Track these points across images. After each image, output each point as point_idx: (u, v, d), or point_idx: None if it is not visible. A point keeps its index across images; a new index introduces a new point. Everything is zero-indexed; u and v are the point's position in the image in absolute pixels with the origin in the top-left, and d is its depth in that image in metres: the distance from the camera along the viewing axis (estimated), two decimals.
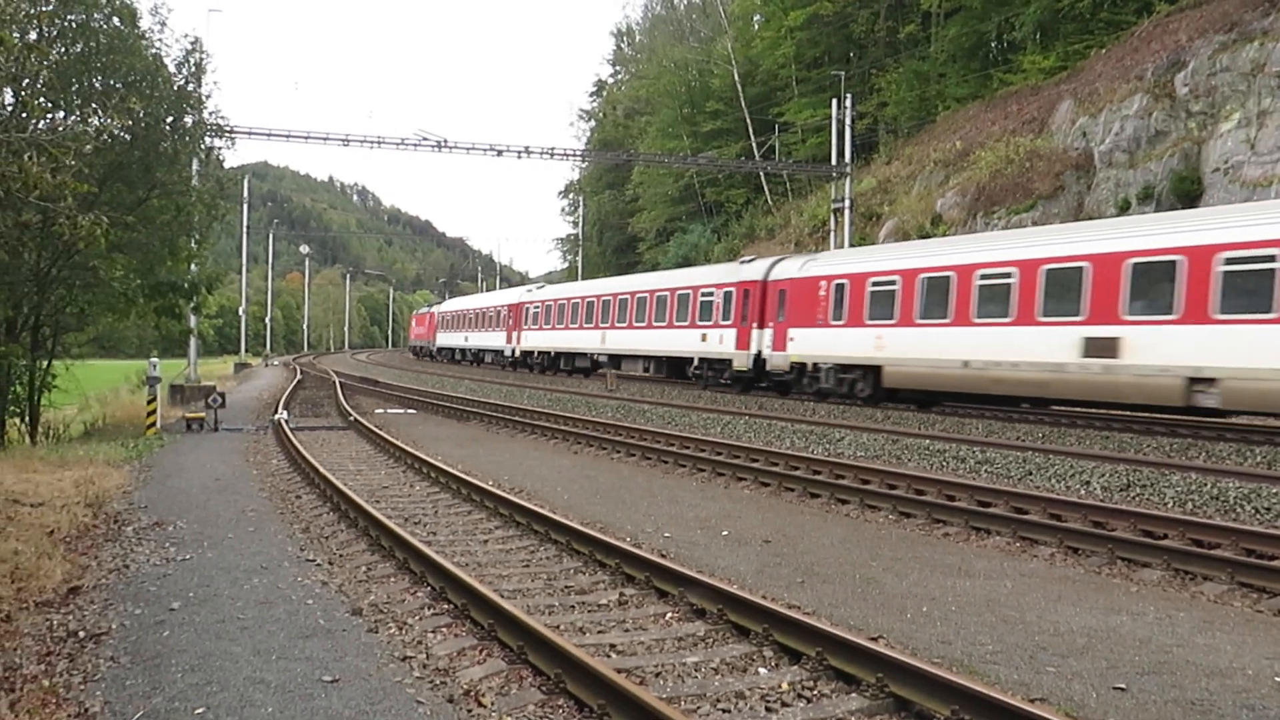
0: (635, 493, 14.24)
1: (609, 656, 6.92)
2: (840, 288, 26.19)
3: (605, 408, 26.99)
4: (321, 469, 14.63)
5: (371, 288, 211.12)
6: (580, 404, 28.36)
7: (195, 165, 26.72)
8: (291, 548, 10.45)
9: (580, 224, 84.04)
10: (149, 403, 23.81)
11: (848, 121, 42.28)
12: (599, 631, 7.58)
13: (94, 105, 21.02)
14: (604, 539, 9.86)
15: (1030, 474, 14.59)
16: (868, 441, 18.22)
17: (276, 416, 23.84)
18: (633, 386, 35.35)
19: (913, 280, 23.60)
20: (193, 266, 27.76)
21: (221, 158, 27.27)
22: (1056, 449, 16.33)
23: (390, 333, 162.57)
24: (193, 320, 32.49)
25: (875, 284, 24.88)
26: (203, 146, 25.73)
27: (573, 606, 8.26)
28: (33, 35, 18.72)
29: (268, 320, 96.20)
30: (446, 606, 8.12)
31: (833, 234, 42.81)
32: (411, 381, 42.17)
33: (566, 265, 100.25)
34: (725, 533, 11.35)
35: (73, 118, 21.08)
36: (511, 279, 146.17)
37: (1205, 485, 12.77)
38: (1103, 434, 19.21)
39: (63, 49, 20.76)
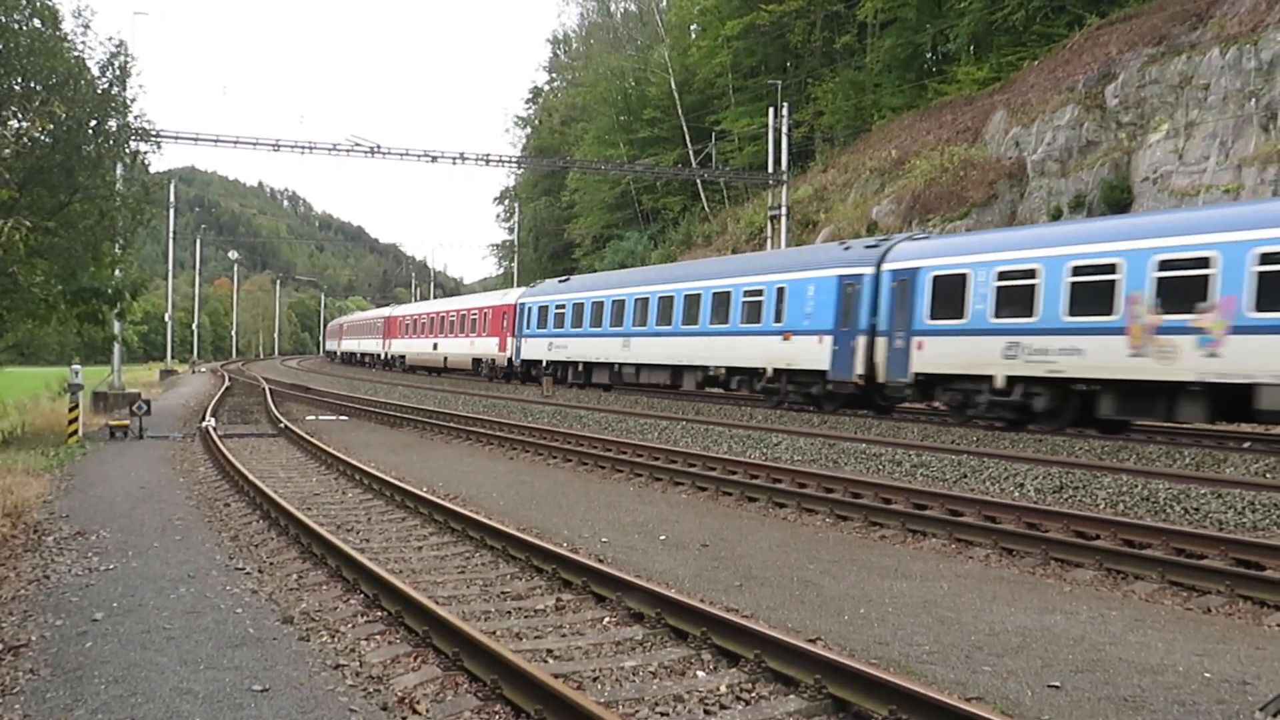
0: (572, 498, 14.20)
1: (546, 662, 6.88)
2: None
3: (541, 414, 26.91)
4: (251, 476, 14.41)
5: (303, 294, 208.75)
6: (516, 410, 28.24)
7: (120, 169, 26.22)
8: (220, 556, 10.27)
9: (516, 230, 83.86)
10: (71, 410, 23.33)
11: (784, 130, 42.63)
12: (536, 637, 7.53)
13: (14, 108, 20.60)
14: (540, 544, 9.82)
15: (965, 477, 14.76)
16: (805, 445, 18.33)
17: (204, 424, 23.45)
18: (569, 393, 35.27)
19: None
20: (117, 272, 27.27)
21: (147, 162, 26.74)
22: (991, 452, 16.54)
23: (322, 339, 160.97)
24: (117, 326, 31.88)
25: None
26: (127, 150, 25.26)
27: (509, 612, 8.20)
28: None
29: (195, 326, 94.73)
30: (380, 614, 8.02)
31: (769, 241, 43.10)
32: (344, 388, 41.73)
33: (501, 271, 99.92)
34: (663, 537, 11.35)
35: None
36: (446, 285, 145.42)
37: (1136, 487, 13.00)
38: (1036, 438, 19.48)
39: None
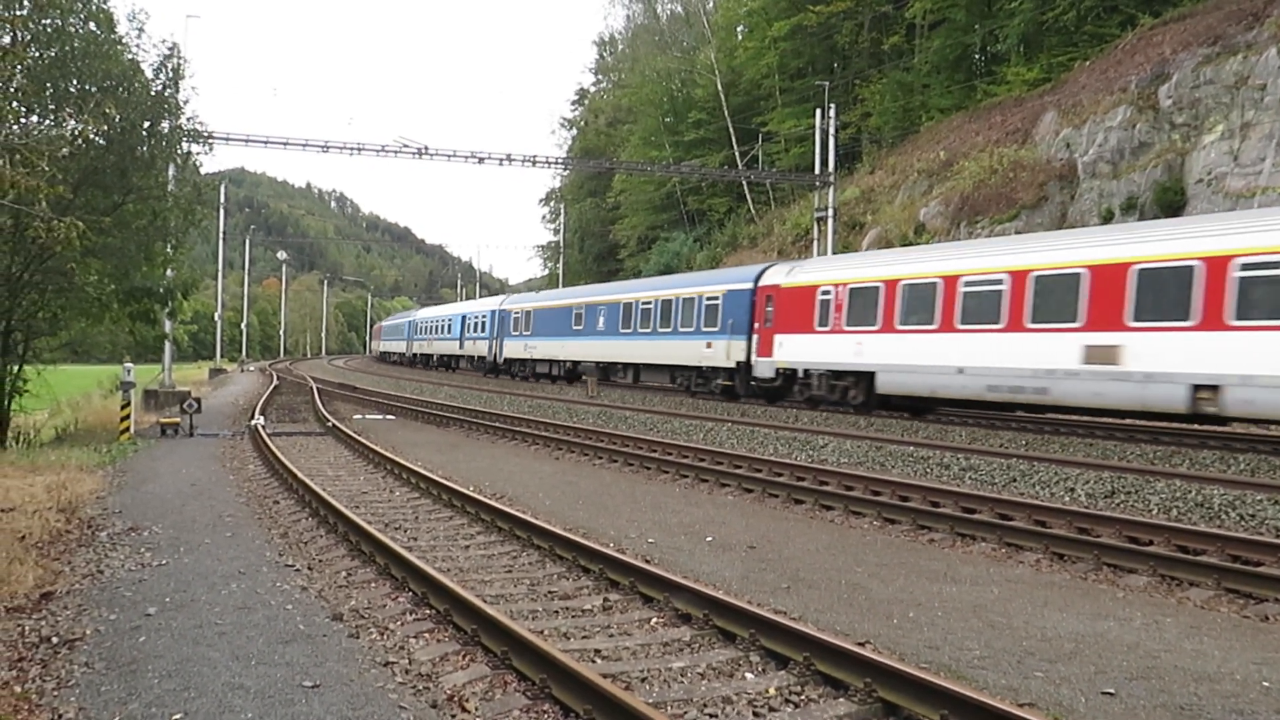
0: (618, 499, 14.20)
1: (594, 662, 6.89)
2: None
3: (586, 414, 26.94)
4: (299, 474, 14.54)
5: (349, 294, 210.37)
6: (561, 410, 28.30)
7: (172, 170, 26.57)
8: (270, 553, 10.37)
9: (561, 231, 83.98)
10: (123, 408, 23.65)
11: (831, 131, 42.41)
12: (583, 637, 7.53)
13: (69, 109, 20.92)
14: (587, 544, 9.82)
15: (1015, 481, 14.61)
16: (851, 448, 18.22)
17: (253, 422, 23.70)
18: (614, 393, 35.30)
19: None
20: (168, 272, 27.62)
21: (198, 163, 27.09)
22: (1041, 456, 16.36)
23: (368, 339, 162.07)
24: (167, 325, 32.33)
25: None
26: (179, 152, 25.58)
27: (556, 612, 8.21)
28: (6, 39, 18.61)
29: (244, 326, 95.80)
30: (428, 612, 8.06)
31: (815, 243, 42.90)
32: (390, 387, 42.02)
33: (547, 272, 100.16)
34: (709, 539, 11.33)
35: (48, 121, 20.98)
36: (491, 286, 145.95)
37: (1189, 492, 12.81)
38: (1086, 441, 19.26)
39: (38, 53, 20.63)
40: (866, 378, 25.14)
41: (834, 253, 41.38)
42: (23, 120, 19.46)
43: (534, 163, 41.02)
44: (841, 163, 48.22)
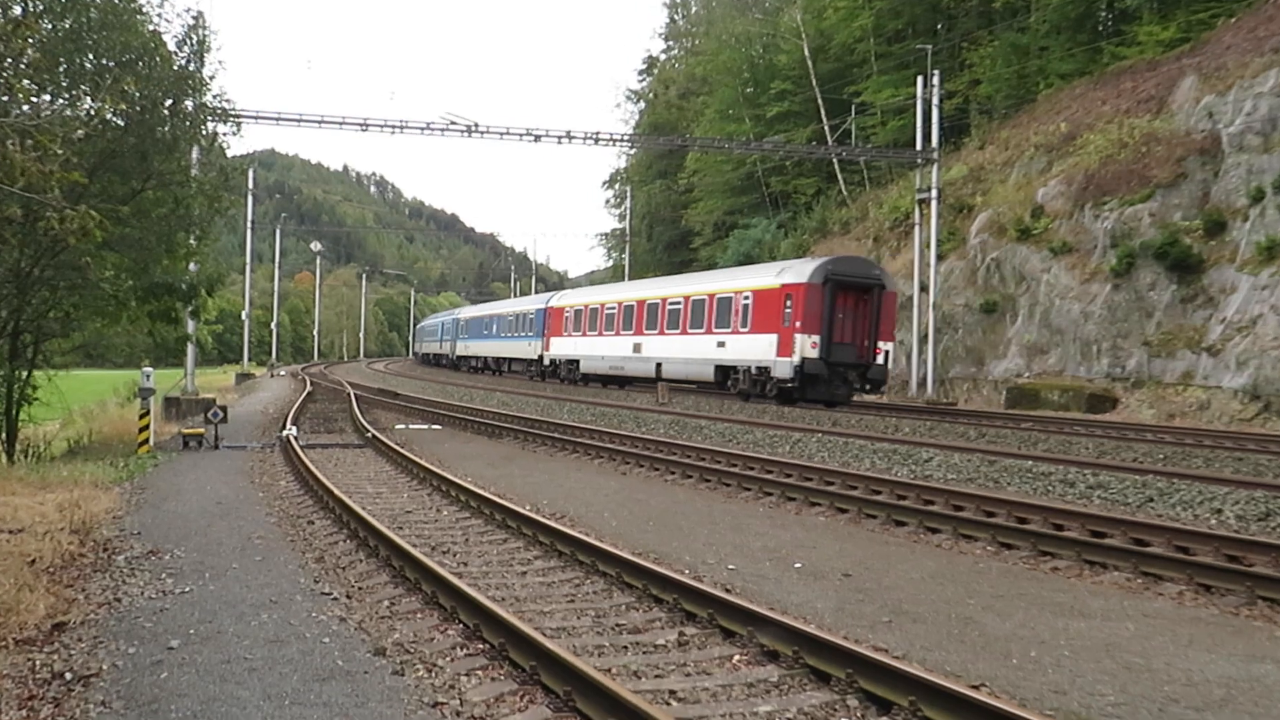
0: (693, 519, 14.17)
1: (669, 704, 6.86)
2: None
3: (657, 423, 26.95)
4: (336, 491, 14.67)
5: (390, 289, 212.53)
6: (628, 419, 28.33)
7: (196, 153, 26.97)
8: (304, 579, 10.47)
9: (627, 217, 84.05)
10: (141, 417, 24.05)
11: (934, 101, 42.04)
12: (656, 676, 7.50)
13: (85, 87, 21.31)
14: (659, 571, 9.80)
15: (1151, 500, 14.35)
16: (960, 462, 18.03)
17: (285, 433, 23.98)
18: (687, 400, 35.28)
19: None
20: (191, 266, 28.03)
21: (225, 145, 27.49)
22: (1181, 472, 16.07)
23: (411, 339, 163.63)
24: (190, 326, 32.81)
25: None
26: (205, 132, 25.95)
27: (625, 647, 8.19)
28: (16, 10, 19.00)
29: (274, 326, 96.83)
30: (482, 646, 8.08)
31: (918, 228, 42.53)
32: (436, 394, 42.37)
33: (611, 264, 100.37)
34: (798, 565, 11.25)
35: (61, 101, 21.35)
36: (549, 279, 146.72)
37: None
38: (1235, 455, 18.89)
39: (50, 25, 21.00)
40: (577, 362, 50.39)
41: (937, 240, 41.09)
42: (34, 100, 19.84)
43: (596, 140, 41.13)
44: (946, 137, 47.71)
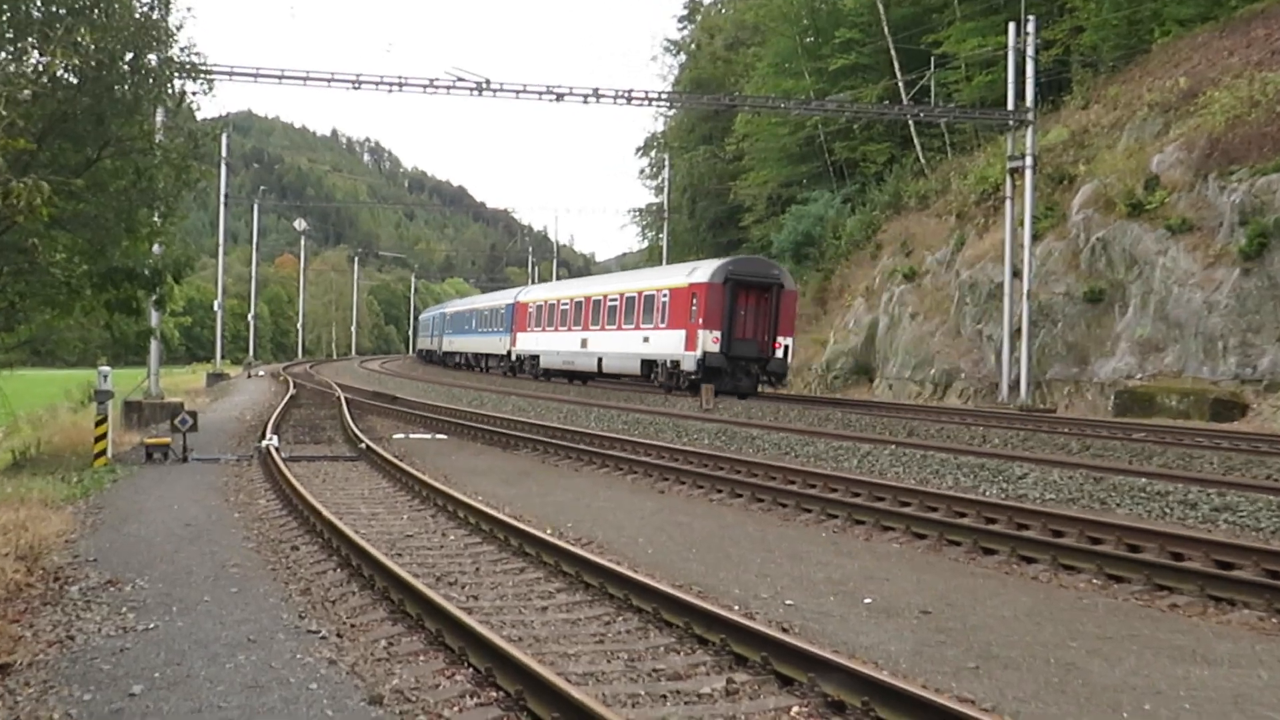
0: (744, 546, 14.16)
1: None
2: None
3: (700, 433, 26.95)
4: (325, 512, 14.74)
5: (387, 274, 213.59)
6: (667, 428, 28.36)
7: (161, 116, 27.06)
8: (287, 614, 10.52)
9: (665, 190, 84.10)
10: (98, 425, 24.20)
11: (1029, 53, 41.79)
12: None
13: (31, 39, 21.39)
14: (704, 607, 9.79)
15: None
16: (1060, 480, 17.95)
17: (264, 443, 24.12)
18: (736, 406, 35.28)
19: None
20: (156, 248, 28.14)
21: (195, 106, 27.57)
22: None
23: (412, 334, 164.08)
24: (154, 318, 32.97)
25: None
26: (171, 91, 25.99)
27: (664, 696, 8.20)
28: None
29: (251, 318, 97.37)
30: (495, 694, 8.10)
31: (1009, 203, 42.31)
32: (440, 397, 42.51)
33: (646, 245, 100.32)
34: (868, 600, 11.23)
35: (3, 55, 21.48)
36: (572, 264, 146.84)
37: None
38: None
39: None
40: (538, 358, 59.64)
41: (1033, 216, 40.85)
42: None
43: (629, 99, 41.10)
44: (1043, 95, 47.50)
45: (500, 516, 14.74)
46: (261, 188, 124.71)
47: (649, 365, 46.49)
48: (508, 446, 27.09)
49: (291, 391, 45.75)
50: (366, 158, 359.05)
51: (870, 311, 53.78)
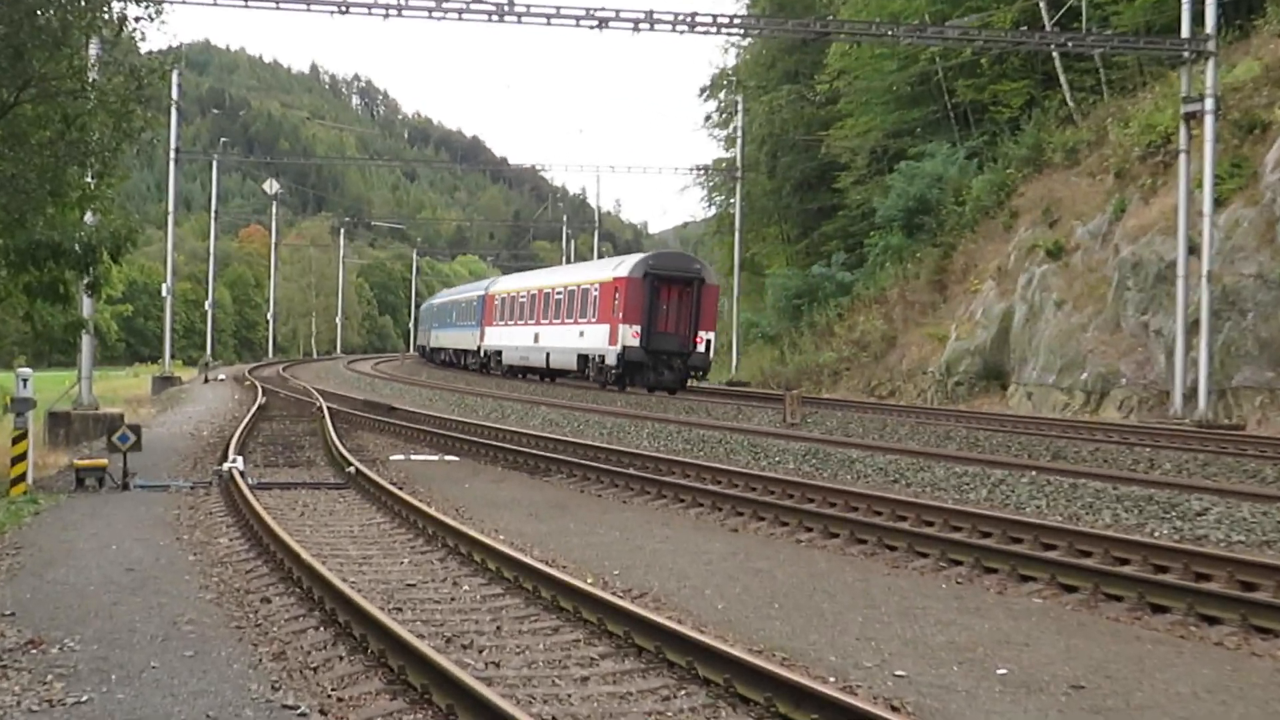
0: (841, 599, 14.14)
1: None
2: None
3: (784, 454, 26.90)
4: (304, 555, 14.78)
5: (382, 250, 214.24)
6: (740, 447, 28.33)
7: (95, 49, 27.16)
8: (257, 685, 10.55)
9: (738, 142, 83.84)
10: (15, 442, 24.33)
11: None
12: None
13: None
14: (791, 678, 9.78)
15: None
16: (1251, 517, 17.82)
17: (226, 466, 24.24)
18: (830, 419, 35.21)
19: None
20: (89, 217, 28.29)
21: (138, 36, 27.59)
22: None
23: (412, 326, 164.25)
24: (86, 306, 33.16)
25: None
26: (108, 17, 26.03)
27: None
28: None
29: (209, 306, 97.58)
30: None
31: (1183, 158, 41.96)
32: (451, 408, 42.63)
33: (714, 212, 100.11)
34: (1002, 671, 11.21)
35: None
36: (619, 238, 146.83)
37: None
38: None
39: None
40: (501, 353, 69.81)
41: (1214, 175, 40.43)
42: None
43: (691, 25, 40.94)
44: (1229, 18, 47.12)
45: (528, 561, 14.75)
46: (222, 140, 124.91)
47: (584, 360, 56.49)
48: (537, 471, 27.13)
49: (260, 400, 45.96)
50: (355, 101, 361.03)
51: (1003, 299, 53.41)
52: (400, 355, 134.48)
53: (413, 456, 30.01)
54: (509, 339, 70.23)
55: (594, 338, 54.21)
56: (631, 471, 24.91)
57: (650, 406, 42.70)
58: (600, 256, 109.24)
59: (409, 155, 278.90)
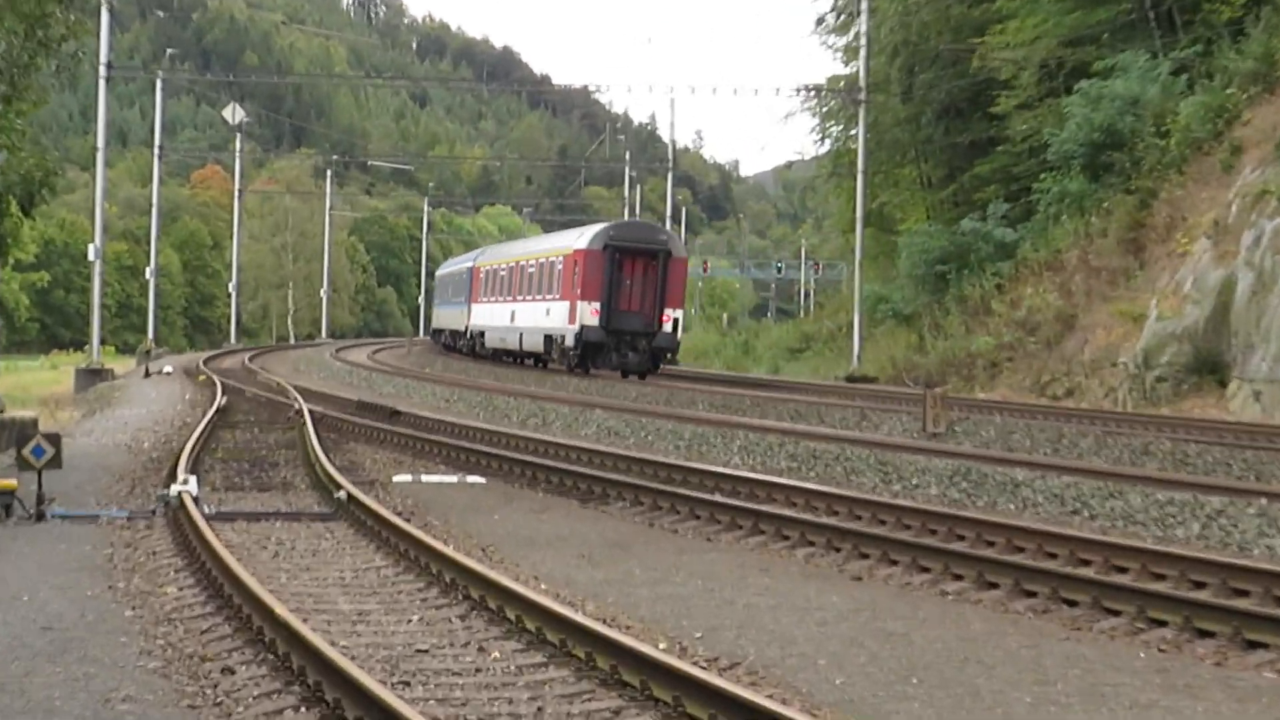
0: (1002, 674, 14.10)
1: None
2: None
3: (924, 475, 26.83)
4: (279, 609, 14.80)
5: (383, 200, 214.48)
6: (864, 464, 28.26)
7: None
8: None
9: (862, 53, 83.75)
10: None
11: None
12: None
13: None
14: None
15: None
16: None
17: (175, 489, 24.27)
18: (987, 428, 35.10)
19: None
20: None
21: None
22: None
23: (424, 301, 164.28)
24: None
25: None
26: None
27: None
28: None
29: (151, 275, 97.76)
30: None
31: None
32: (475, 411, 42.67)
33: (829, 148, 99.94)
34: None
35: None
36: (701, 182, 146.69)
37: None
38: None
39: None
40: (484, 335, 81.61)
41: None
42: None
43: None
44: None
45: (579, 620, 14.72)
46: (169, 51, 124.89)
47: (550, 341, 64.21)
48: (590, 497, 27.11)
49: (220, 400, 46.17)
50: (347, 1, 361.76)
51: (1221, 264, 52.78)
52: (407, 340, 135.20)
53: (423, 477, 30.07)
54: (491, 318, 79.75)
55: (557, 316, 61.48)
56: (718, 498, 24.88)
57: (743, 409, 42.68)
58: (674, 206, 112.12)
59: (418, 72, 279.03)
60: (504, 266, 75.64)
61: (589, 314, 56.16)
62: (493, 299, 78.50)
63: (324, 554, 20.78)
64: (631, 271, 57.04)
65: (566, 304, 58.06)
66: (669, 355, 61.04)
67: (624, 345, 57.37)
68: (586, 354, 56.99)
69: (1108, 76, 64.73)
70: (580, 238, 59.61)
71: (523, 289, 67.33)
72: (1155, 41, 66.75)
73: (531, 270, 66.75)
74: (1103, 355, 54.95)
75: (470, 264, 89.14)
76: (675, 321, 57.79)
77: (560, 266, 60.71)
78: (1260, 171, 53.49)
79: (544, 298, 64.08)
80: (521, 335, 68.28)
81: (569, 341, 58.10)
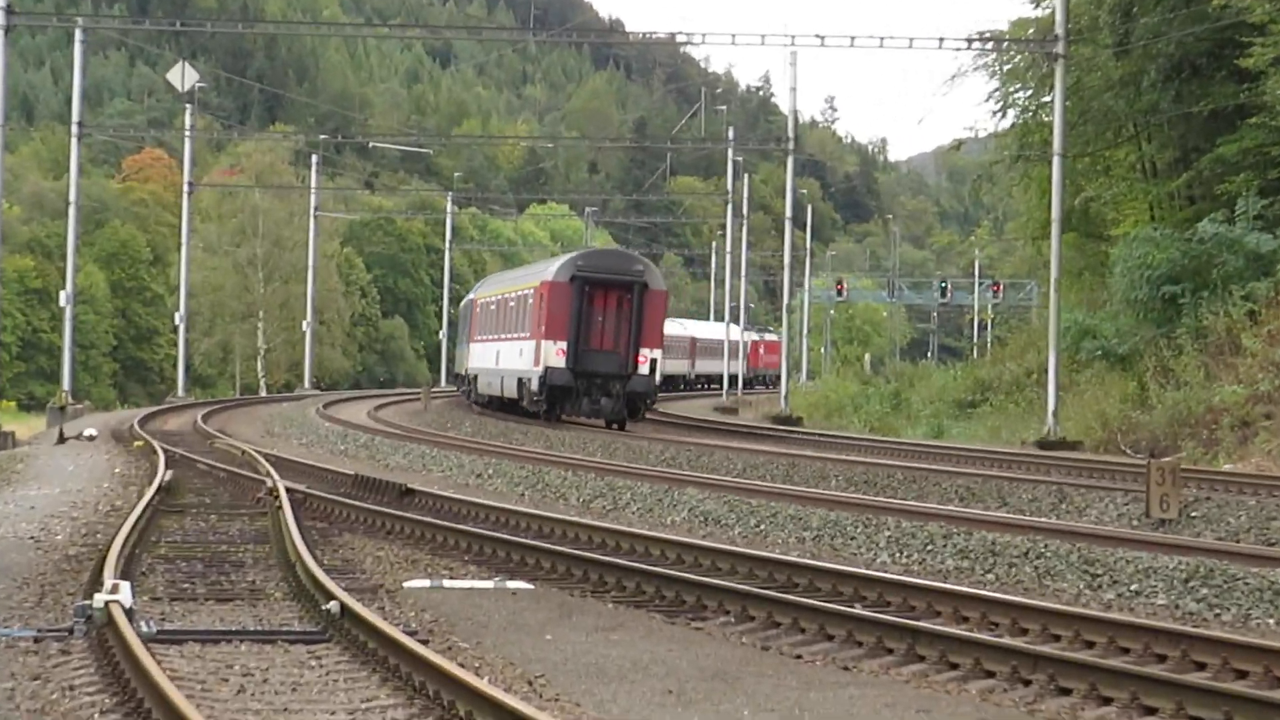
0: None
1: None
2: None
3: (1148, 577, 26.80)
4: None
5: (388, 196, 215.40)
6: (1063, 562, 28.24)
7: None
8: None
9: None
10: None
11: None
12: None
13: None
14: None
15: None
16: None
17: (102, 599, 24.33)
18: (1237, 513, 35.08)
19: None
20: None
21: None
22: None
23: (445, 336, 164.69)
24: None
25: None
26: None
27: None
28: None
29: (67, 301, 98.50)
30: None
31: None
32: (518, 488, 42.81)
33: (1013, 121, 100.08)
34: None
35: None
36: (834, 169, 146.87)
37: None
38: None
39: None
40: (476, 379, 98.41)
41: None
42: None
43: None
44: None
45: None
46: None
47: (522, 386, 72.58)
48: (679, 609, 27.16)
49: (162, 476, 46.37)
50: None
51: None
52: (423, 389, 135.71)
53: (446, 583, 30.12)
54: (482, 359, 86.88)
55: (527, 357, 69.07)
56: (858, 611, 24.89)
57: (894, 486, 42.73)
58: (796, 203, 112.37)
59: (438, 19, 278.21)
60: (494, 300, 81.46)
61: (554, 354, 62.67)
62: (484, 338, 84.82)
63: (308, 689, 20.72)
64: (603, 306, 62.89)
65: (533, 343, 63.85)
66: (648, 402, 67.01)
67: (595, 389, 64.03)
68: (554, 399, 64.86)
69: None
70: (548, 268, 65.34)
71: (504, 326, 73.53)
72: None
73: (512, 304, 73.13)
74: None
75: (471, 298, 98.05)
76: (653, 363, 63.99)
77: (531, 301, 66.02)
78: None
79: (518, 336, 69.94)
80: (503, 379, 76.37)
81: (534, 385, 65.40)
